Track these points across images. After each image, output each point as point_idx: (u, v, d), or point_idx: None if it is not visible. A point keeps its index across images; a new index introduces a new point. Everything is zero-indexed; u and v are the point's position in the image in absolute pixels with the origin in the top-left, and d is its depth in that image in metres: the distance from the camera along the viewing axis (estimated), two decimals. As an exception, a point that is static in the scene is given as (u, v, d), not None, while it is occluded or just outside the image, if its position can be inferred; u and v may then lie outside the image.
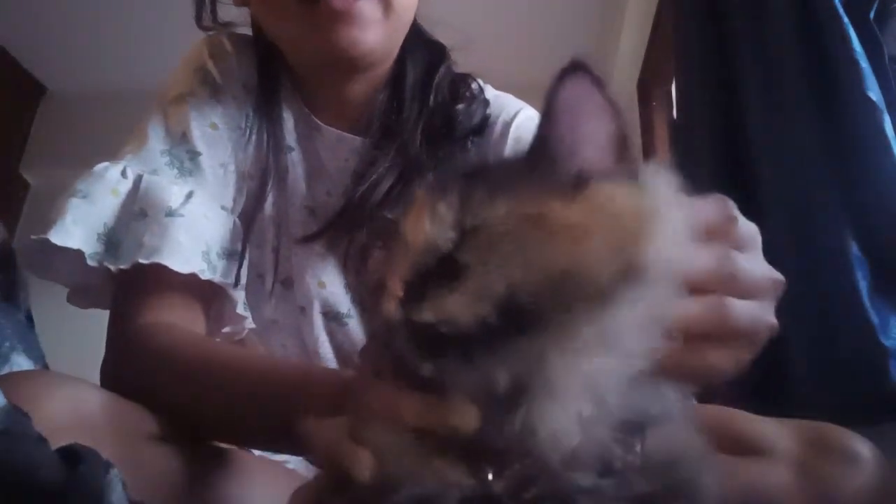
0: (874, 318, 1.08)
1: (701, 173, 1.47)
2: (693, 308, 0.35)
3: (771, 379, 1.18)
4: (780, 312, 1.35)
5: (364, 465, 0.34)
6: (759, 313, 0.38)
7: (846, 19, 1.20)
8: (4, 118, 2.88)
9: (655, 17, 2.20)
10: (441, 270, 0.34)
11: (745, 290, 0.37)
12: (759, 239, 0.40)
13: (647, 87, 2.44)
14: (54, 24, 2.68)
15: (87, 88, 2.87)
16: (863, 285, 1.11)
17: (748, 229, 0.39)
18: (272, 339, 0.88)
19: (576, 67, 0.36)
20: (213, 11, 0.83)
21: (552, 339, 0.32)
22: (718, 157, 1.45)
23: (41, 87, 3.08)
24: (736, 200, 1.36)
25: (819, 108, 1.22)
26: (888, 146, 1.13)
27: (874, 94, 1.15)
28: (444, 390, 0.33)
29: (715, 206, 0.38)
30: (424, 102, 0.82)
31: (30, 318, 0.78)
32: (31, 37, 2.79)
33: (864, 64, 1.17)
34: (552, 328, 0.32)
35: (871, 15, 1.21)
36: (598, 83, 0.37)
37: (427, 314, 0.33)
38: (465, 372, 0.32)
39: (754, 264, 0.38)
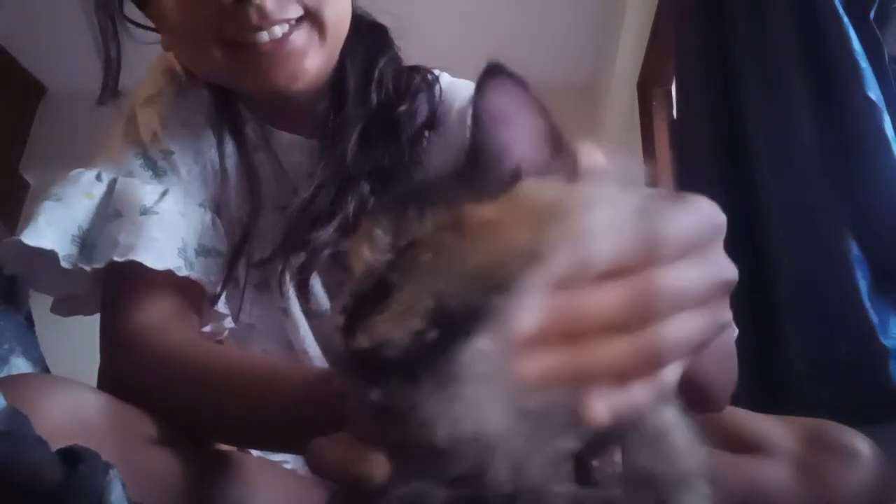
0: (874, 318, 1.09)
1: (701, 173, 1.48)
2: (615, 353, 0.31)
3: (771, 379, 1.18)
4: (780, 312, 1.34)
5: (378, 467, 0.34)
6: (700, 326, 0.33)
7: (846, 19, 1.21)
8: (4, 118, 2.88)
9: (655, 17, 2.20)
10: (375, 294, 0.33)
11: (679, 309, 0.32)
12: (706, 232, 0.34)
13: (647, 87, 2.44)
14: (54, 24, 2.68)
15: (87, 88, 2.85)
16: (863, 285, 1.11)
17: (687, 228, 0.33)
18: (252, 344, 0.87)
19: (493, 71, 0.35)
20: (115, 86, 0.78)
21: (482, 340, 0.31)
22: (718, 157, 1.45)
23: (41, 87, 3.08)
24: (736, 200, 1.35)
25: (819, 108, 1.22)
26: (888, 146, 1.13)
27: (874, 94, 1.15)
28: (396, 414, 0.32)
29: (635, 235, 0.32)
30: (366, 103, 0.79)
31: (30, 320, 0.78)
32: (31, 37, 2.79)
33: (864, 64, 1.17)
34: (482, 329, 0.31)
35: (871, 15, 1.22)
36: (520, 83, 0.35)
37: (363, 340, 0.32)
38: (414, 391, 0.31)
39: (691, 273, 0.33)
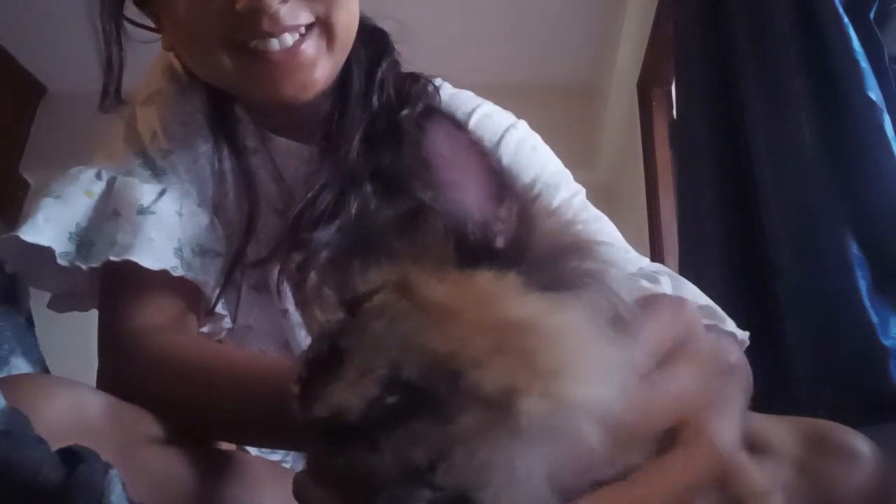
0: (874, 318, 1.09)
1: (701, 173, 1.48)
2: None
3: (771, 379, 1.18)
4: (780, 312, 1.34)
5: None
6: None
7: (846, 19, 1.21)
8: (4, 118, 2.89)
9: (655, 17, 2.20)
10: (328, 360, 0.33)
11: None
12: (686, 336, 0.37)
13: (647, 87, 2.44)
14: (54, 24, 2.68)
15: (87, 88, 2.85)
16: (863, 285, 1.11)
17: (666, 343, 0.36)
18: (249, 346, 0.87)
19: (431, 113, 0.35)
20: (118, 91, 0.77)
21: (465, 421, 0.29)
22: (718, 157, 1.45)
23: (41, 87, 3.09)
24: (736, 200, 1.35)
25: (819, 108, 1.22)
26: (888, 146, 1.13)
27: (874, 94, 1.15)
28: (361, 480, 0.31)
29: (671, 326, 0.35)
30: (367, 106, 0.78)
31: (30, 320, 0.78)
32: (31, 37, 2.79)
33: (864, 64, 1.17)
34: (460, 410, 0.29)
35: (871, 15, 1.22)
36: (458, 126, 0.35)
37: (320, 410, 0.31)
38: (376, 457, 0.30)
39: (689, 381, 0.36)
